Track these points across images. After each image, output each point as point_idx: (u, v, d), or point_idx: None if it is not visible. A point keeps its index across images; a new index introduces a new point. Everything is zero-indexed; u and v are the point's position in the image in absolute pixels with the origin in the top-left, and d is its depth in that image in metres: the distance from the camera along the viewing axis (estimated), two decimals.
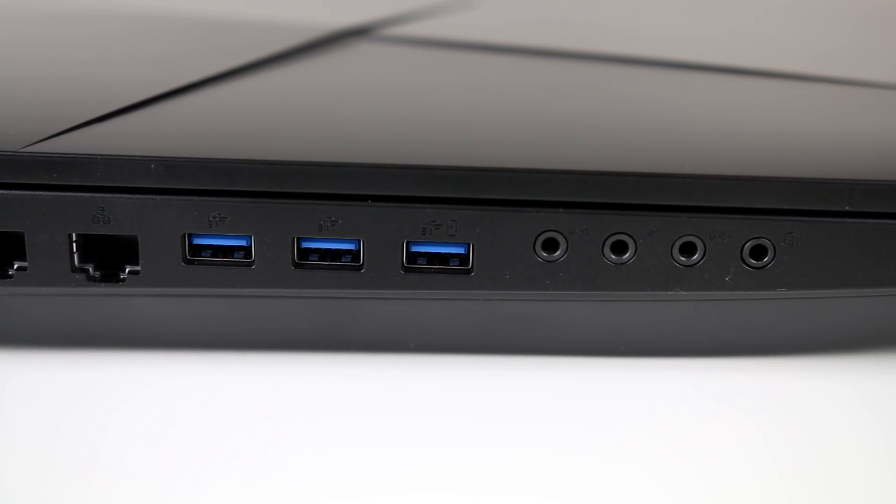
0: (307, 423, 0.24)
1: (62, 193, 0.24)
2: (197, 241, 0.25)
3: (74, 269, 0.25)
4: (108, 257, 0.25)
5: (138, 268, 0.25)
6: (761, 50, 0.32)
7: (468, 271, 0.25)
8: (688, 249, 0.24)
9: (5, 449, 0.23)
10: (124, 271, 0.25)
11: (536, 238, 0.24)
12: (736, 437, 0.24)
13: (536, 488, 0.22)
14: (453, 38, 0.32)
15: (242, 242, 0.25)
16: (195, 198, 0.24)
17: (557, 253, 0.24)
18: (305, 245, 0.25)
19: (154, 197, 0.24)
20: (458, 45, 0.32)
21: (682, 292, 0.25)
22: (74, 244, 0.24)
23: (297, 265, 0.25)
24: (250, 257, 0.25)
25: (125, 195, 0.24)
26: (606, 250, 0.24)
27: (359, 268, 0.25)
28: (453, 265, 0.25)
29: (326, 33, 0.32)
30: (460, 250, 0.25)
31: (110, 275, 0.25)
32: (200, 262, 0.25)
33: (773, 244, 0.24)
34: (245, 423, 0.24)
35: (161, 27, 0.33)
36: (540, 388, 0.26)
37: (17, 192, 0.24)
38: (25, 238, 0.24)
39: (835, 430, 0.24)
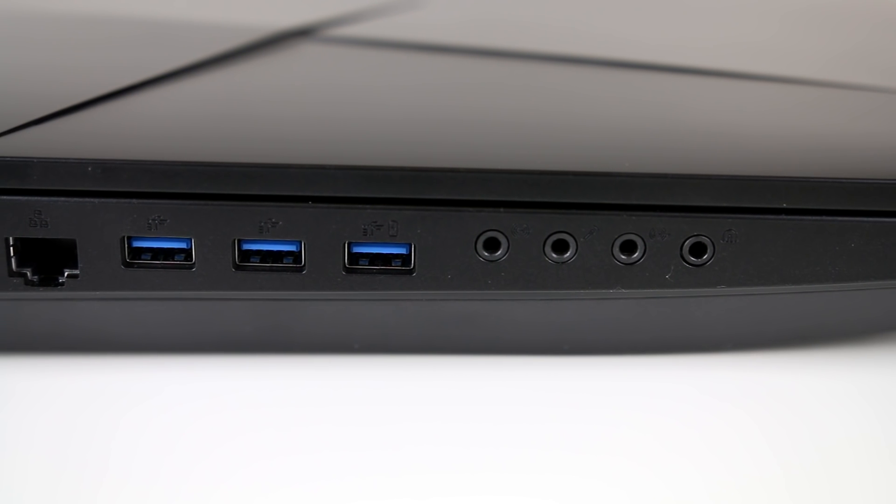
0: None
1: None
2: (136, 243, 0.25)
3: (12, 274, 0.24)
4: (48, 261, 0.25)
5: (77, 272, 0.24)
6: (699, 48, 0.33)
7: (410, 272, 0.25)
8: (628, 248, 0.25)
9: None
10: (63, 275, 0.25)
11: (478, 238, 0.24)
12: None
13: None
14: (397, 38, 0.32)
15: (183, 245, 0.25)
16: (134, 200, 0.24)
17: (499, 252, 0.24)
18: (246, 247, 0.25)
19: (92, 200, 0.24)
20: (402, 45, 0.32)
21: (624, 290, 0.25)
22: (11, 248, 0.24)
23: (238, 267, 0.25)
24: (191, 260, 0.25)
25: (63, 198, 0.24)
26: (547, 249, 0.24)
27: (300, 269, 0.25)
28: (395, 266, 0.25)
29: (269, 34, 0.31)
30: (402, 251, 0.25)
31: (49, 279, 0.25)
32: (140, 266, 0.25)
33: (712, 242, 0.24)
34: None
35: (100, 29, 0.33)
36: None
37: None
38: None
39: (793, 424, 0.25)
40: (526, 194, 0.24)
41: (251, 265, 0.25)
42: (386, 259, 0.25)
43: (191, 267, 0.25)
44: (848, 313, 0.27)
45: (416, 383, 0.26)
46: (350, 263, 0.25)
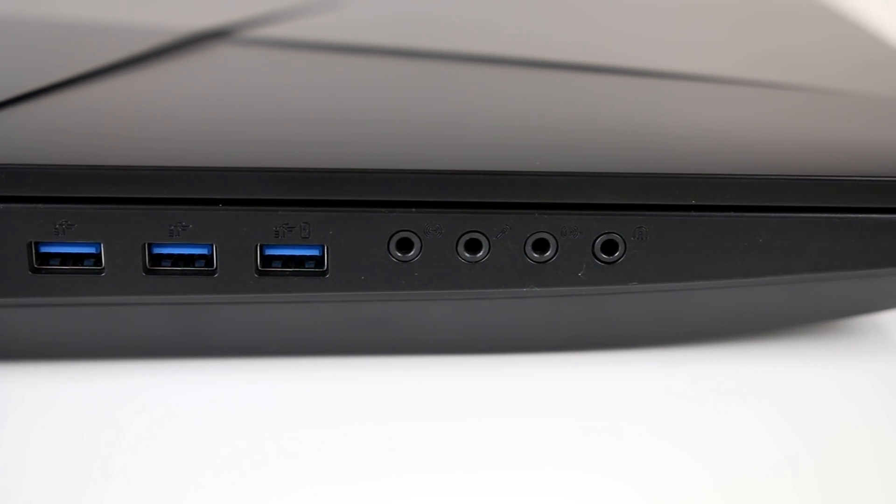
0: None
1: None
2: (44, 249, 0.24)
3: None
4: None
5: None
6: (608, 47, 0.33)
7: (323, 273, 0.25)
8: (540, 246, 0.25)
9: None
10: None
11: (390, 238, 0.24)
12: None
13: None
14: (314, 39, 0.32)
15: (91, 250, 0.24)
16: (40, 205, 0.24)
17: (412, 253, 0.24)
18: (157, 251, 0.24)
19: None
20: (318, 46, 0.31)
21: (537, 289, 0.25)
22: None
23: (148, 271, 0.24)
24: (100, 265, 0.24)
25: None
26: (460, 249, 0.25)
27: (212, 272, 0.24)
28: (308, 267, 0.25)
29: (183, 36, 0.31)
30: (315, 252, 0.25)
31: None
32: (48, 271, 0.24)
33: (623, 239, 0.25)
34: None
35: (6, 30, 0.32)
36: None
37: None
38: None
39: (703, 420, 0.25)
40: (437, 194, 0.24)
41: (162, 269, 0.24)
42: (299, 261, 0.25)
43: (100, 272, 0.24)
44: (758, 307, 0.27)
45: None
46: (262, 266, 0.25)
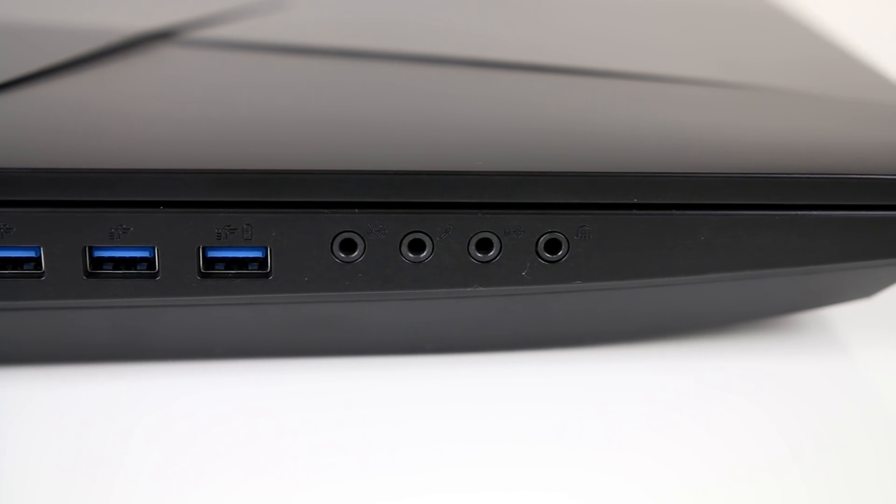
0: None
1: None
2: None
3: None
4: None
5: None
6: (549, 46, 0.33)
7: (267, 275, 0.25)
8: (484, 246, 0.25)
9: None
10: None
11: (333, 239, 0.24)
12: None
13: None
14: (257, 40, 0.32)
15: (31, 254, 0.24)
16: None
17: (355, 253, 0.24)
18: (98, 254, 0.24)
19: None
20: (263, 47, 0.31)
21: (481, 288, 0.25)
22: None
23: (89, 275, 0.24)
24: (40, 268, 0.24)
25: None
26: (404, 249, 0.25)
27: (154, 275, 0.24)
28: (252, 269, 0.25)
29: (127, 37, 0.31)
30: (258, 254, 0.25)
31: None
32: None
33: (566, 238, 0.25)
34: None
35: None
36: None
37: None
38: None
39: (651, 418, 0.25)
40: (380, 195, 0.24)
41: (103, 273, 0.24)
42: (242, 263, 0.25)
43: (40, 276, 0.24)
44: (702, 304, 0.27)
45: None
46: (205, 268, 0.25)
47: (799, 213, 0.25)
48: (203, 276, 0.24)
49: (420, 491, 0.22)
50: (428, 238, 0.24)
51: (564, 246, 0.25)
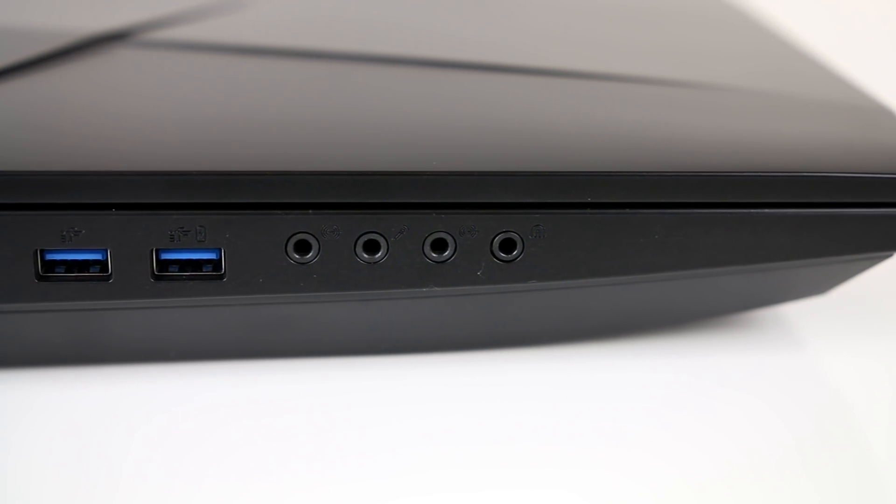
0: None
1: None
2: None
3: None
4: None
5: None
6: (502, 45, 0.33)
7: (221, 277, 0.24)
8: (439, 246, 0.25)
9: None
10: None
11: (288, 240, 0.24)
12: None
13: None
14: (210, 41, 0.32)
15: None
16: None
17: (310, 255, 0.24)
18: (50, 257, 0.24)
19: None
20: (218, 48, 0.31)
21: (437, 288, 0.25)
22: None
23: (41, 278, 0.24)
24: None
25: None
26: (359, 250, 0.24)
27: (107, 278, 0.24)
28: (206, 271, 0.25)
29: (81, 39, 0.31)
30: (212, 256, 0.24)
31: None
32: None
33: (521, 237, 0.25)
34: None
35: None
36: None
37: None
38: None
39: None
40: (335, 195, 0.24)
41: (55, 275, 0.24)
42: (196, 265, 0.25)
43: None
44: (658, 303, 0.27)
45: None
46: (159, 270, 0.24)
47: (752, 211, 0.25)
48: (156, 278, 0.24)
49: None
50: (383, 238, 0.24)
51: (519, 245, 0.25)
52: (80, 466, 0.23)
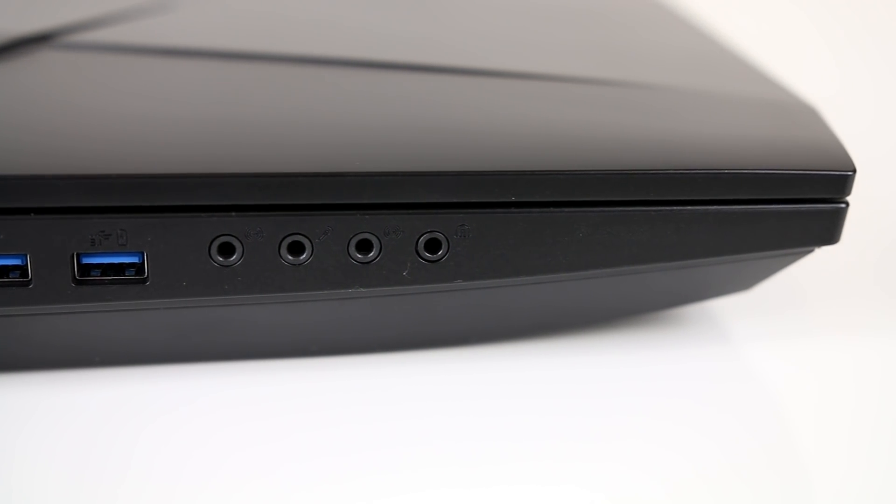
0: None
1: None
2: None
3: None
4: None
5: None
6: (426, 45, 0.33)
7: (144, 280, 0.24)
8: (364, 247, 0.25)
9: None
10: None
11: (211, 243, 0.24)
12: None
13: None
14: (136, 43, 0.31)
15: None
16: None
17: (234, 257, 0.24)
18: None
19: None
20: (139, 49, 0.31)
21: (363, 289, 0.25)
22: None
23: None
24: None
25: None
26: (283, 251, 0.24)
27: (27, 283, 0.24)
28: (129, 275, 0.24)
29: (2, 41, 0.30)
30: (134, 259, 0.24)
31: None
32: None
33: (446, 237, 0.25)
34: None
35: None
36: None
37: None
38: None
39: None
40: (258, 197, 0.24)
41: None
42: (118, 269, 0.24)
43: None
44: (585, 301, 0.27)
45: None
46: (80, 275, 0.24)
47: (674, 208, 0.25)
48: (78, 282, 0.24)
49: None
50: (307, 240, 0.24)
51: (444, 245, 0.25)
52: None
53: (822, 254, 0.27)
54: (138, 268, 0.24)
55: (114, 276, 0.24)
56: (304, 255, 0.25)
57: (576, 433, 0.25)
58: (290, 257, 0.24)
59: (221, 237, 0.24)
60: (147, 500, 0.22)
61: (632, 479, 0.23)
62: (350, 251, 0.25)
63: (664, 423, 0.26)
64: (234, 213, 0.24)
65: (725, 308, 0.31)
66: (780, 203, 0.26)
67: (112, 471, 0.23)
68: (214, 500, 0.22)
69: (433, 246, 0.25)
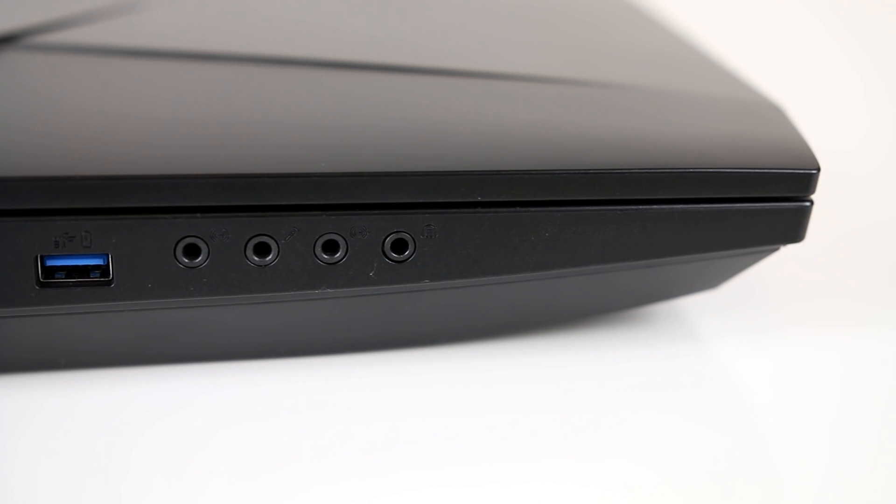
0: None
1: None
2: None
3: None
4: None
5: None
6: (390, 45, 0.33)
7: (109, 282, 0.24)
8: (330, 247, 0.25)
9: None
10: None
11: (176, 244, 0.24)
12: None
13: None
14: (101, 44, 0.31)
15: None
16: None
17: (199, 258, 0.24)
18: None
19: None
20: (104, 51, 0.31)
21: (329, 290, 0.25)
22: None
23: None
24: None
25: None
26: (249, 253, 0.24)
27: None
28: (94, 277, 0.24)
29: None
30: (99, 261, 0.24)
31: None
32: None
33: (412, 237, 0.25)
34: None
35: None
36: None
37: None
38: None
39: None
40: (223, 199, 0.24)
41: None
42: (83, 271, 0.24)
43: None
44: (552, 300, 0.28)
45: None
46: (45, 277, 0.24)
47: (640, 207, 0.25)
48: (42, 285, 0.24)
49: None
50: (273, 241, 0.24)
51: (411, 245, 0.25)
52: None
53: (787, 251, 0.28)
54: (103, 270, 0.24)
55: (78, 278, 0.24)
56: (270, 256, 0.24)
57: (545, 432, 0.25)
58: (256, 258, 0.24)
59: (187, 238, 0.24)
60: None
61: (605, 475, 0.24)
62: (316, 252, 0.25)
63: (636, 421, 0.26)
64: (199, 215, 0.24)
65: (694, 306, 0.31)
66: (745, 202, 0.26)
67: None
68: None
69: (400, 246, 0.25)
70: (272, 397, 0.26)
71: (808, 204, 0.26)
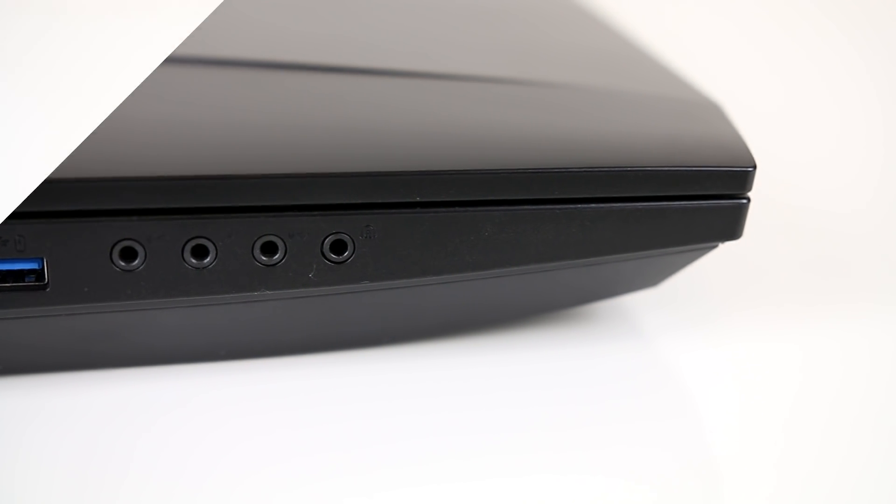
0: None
1: None
2: None
3: None
4: None
5: None
6: (329, 46, 0.33)
7: (44, 287, 0.24)
8: (269, 249, 0.25)
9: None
10: None
11: (112, 248, 0.24)
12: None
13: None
14: None
15: None
16: None
17: (136, 262, 0.24)
18: None
19: None
20: None
21: (268, 292, 0.25)
22: None
23: None
24: None
25: None
26: (186, 255, 0.24)
27: None
28: (29, 281, 0.24)
29: None
30: (34, 265, 0.24)
31: None
32: None
33: (351, 238, 0.25)
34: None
35: None
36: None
37: None
38: None
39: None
40: (159, 201, 0.24)
41: None
42: (18, 275, 0.24)
43: None
44: (493, 299, 0.28)
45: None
46: None
47: (578, 206, 0.26)
48: None
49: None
50: (210, 243, 0.24)
51: (350, 246, 0.25)
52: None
53: (726, 248, 0.28)
54: (38, 274, 0.24)
55: (13, 282, 0.24)
56: (207, 259, 0.24)
57: (488, 430, 0.25)
58: (193, 261, 0.24)
59: (123, 242, 0.24)
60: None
61: (553, 471, 0.24)
62: (255, 254, 0.24)
63: (584, 416, 0.26)
64: (135, 218, 0.24)
65: (636, 303, 0.31)
66: (682, 199, 0.26)
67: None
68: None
69: (339, 247, 0.25)
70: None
71: (744, 201, 0.26)
